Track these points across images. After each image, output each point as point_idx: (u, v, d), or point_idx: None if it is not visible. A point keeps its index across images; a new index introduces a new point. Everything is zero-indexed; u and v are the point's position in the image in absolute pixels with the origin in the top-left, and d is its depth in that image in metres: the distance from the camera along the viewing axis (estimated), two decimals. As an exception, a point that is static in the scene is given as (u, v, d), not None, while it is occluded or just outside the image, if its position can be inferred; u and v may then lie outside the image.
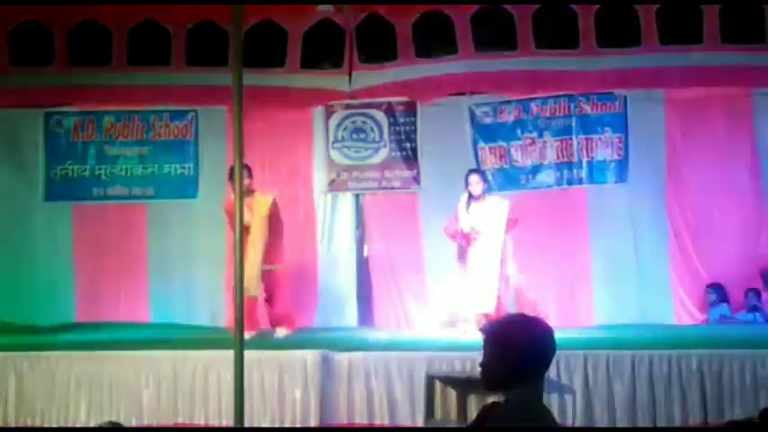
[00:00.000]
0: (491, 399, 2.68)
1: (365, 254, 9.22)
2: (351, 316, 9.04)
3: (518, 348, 2.58)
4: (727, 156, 8.70)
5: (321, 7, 9.03)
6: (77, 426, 6.34)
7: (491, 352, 2.63)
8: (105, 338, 7.53)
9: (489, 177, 8.86)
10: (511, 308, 7.76)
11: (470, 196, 7.85)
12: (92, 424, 6.11)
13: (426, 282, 8.98)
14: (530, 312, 7.72)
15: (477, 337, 7.40)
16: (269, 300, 7.93)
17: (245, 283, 7.45)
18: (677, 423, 6.03)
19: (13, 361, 6.58)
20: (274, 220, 7.91)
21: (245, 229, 7.66)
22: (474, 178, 7.89)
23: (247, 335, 7.29)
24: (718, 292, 8.51)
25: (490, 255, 7.69)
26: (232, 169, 7.49)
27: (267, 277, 7.80)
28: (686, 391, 6.07)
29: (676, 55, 8.51)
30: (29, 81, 9.00)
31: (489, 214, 7.76)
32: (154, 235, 9.18)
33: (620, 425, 6.07)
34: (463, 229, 7.75)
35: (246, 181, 7.45)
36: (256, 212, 7.67)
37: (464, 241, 7.79)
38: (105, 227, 9.21)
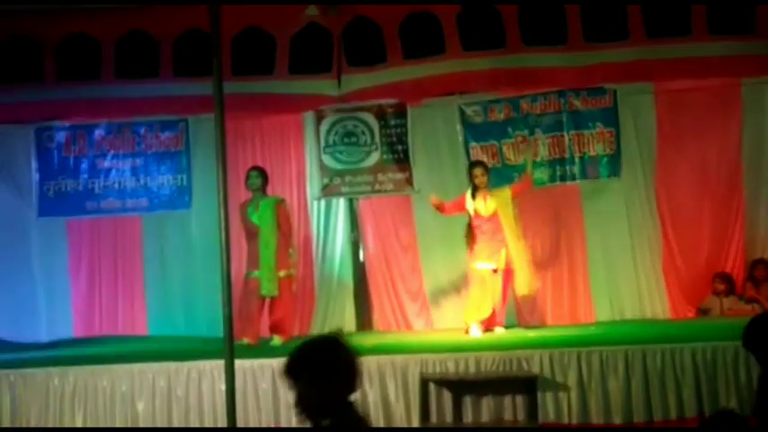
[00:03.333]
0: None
1: (361, 258, 9.18)
2: (349, 320, 9.01)
3: (324, 371, 2.63)
4: (715, 145, 8.70)
5: (308, 10, 8.99)
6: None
7: (299, 384, 2.66)
8: (99, 352, 7.52)
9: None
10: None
11: (475, 188, 7.93)
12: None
13: (423, 283, 8.95)
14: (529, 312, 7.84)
15: (476, 338, 7.41)
16: (271, 306, 7.93)
17: (265, 285, 7.67)
18: (673, 417, 5.99)
19: (8, 378, 6.56)
20: (281, 221, 7.96)
21: (254, 232, 7.85)
22: (478, 170, 8.01)
23: (246, 343, 7.43)
24: (728, 281, 8.43)
25: (497, 251, 7.79)
26: (247, 173, 7.87)
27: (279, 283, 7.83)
28: (681, 384, 6.04)
29: (664, 47, 8.42)
30: (18, 96, 8.95)
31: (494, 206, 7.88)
32: (149, 247, 9.20)
33: (615, 421, 6.04)
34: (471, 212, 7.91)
35: (259, 182, 8.07)
36: (264, 215, 7.83)
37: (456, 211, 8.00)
38: (100, 240, 9.23)
